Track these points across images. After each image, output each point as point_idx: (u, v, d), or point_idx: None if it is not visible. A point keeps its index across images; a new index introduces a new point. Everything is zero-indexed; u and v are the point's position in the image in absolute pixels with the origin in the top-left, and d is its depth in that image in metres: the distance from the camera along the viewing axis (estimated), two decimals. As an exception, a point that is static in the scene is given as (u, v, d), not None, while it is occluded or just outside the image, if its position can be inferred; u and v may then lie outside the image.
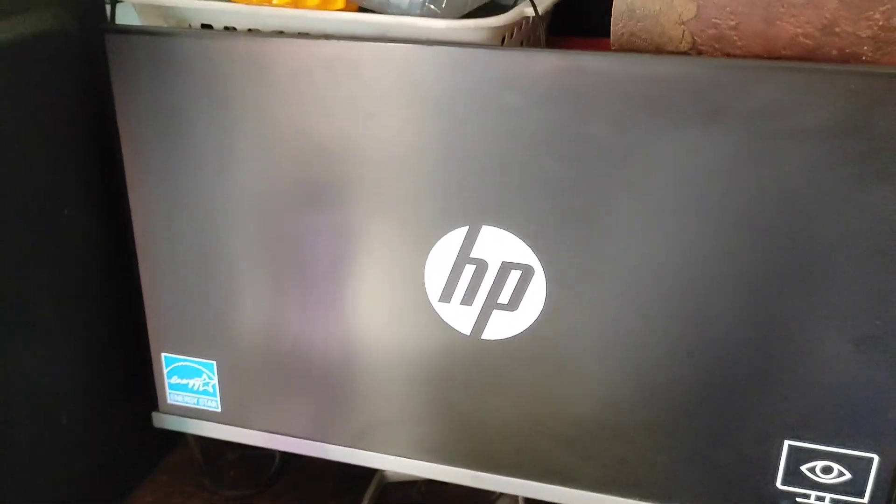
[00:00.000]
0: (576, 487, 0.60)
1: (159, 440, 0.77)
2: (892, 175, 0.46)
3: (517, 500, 0.72)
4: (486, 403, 0.59)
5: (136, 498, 0.73)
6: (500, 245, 0.54)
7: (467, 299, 0.56)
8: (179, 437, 0.80)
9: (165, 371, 0.66)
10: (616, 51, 0.54)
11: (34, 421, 0.61)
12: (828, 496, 0.54)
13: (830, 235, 0.48)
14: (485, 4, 0.60)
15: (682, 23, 0.51)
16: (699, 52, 0.52)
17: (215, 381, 0.65)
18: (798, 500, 0.55)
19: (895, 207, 0.47)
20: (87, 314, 0.65)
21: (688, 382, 0.54)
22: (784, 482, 0.54)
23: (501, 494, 0.72)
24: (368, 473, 0.75)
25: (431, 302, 0.57)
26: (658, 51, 0.53)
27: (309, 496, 0.73)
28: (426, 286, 0.57)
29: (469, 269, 0.56)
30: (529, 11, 0.56)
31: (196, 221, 0.61)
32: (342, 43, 0.53)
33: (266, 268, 0.61)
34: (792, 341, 0.51)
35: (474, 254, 0.55)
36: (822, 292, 0.50)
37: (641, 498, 0.58)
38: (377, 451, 0.64)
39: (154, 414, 0.68)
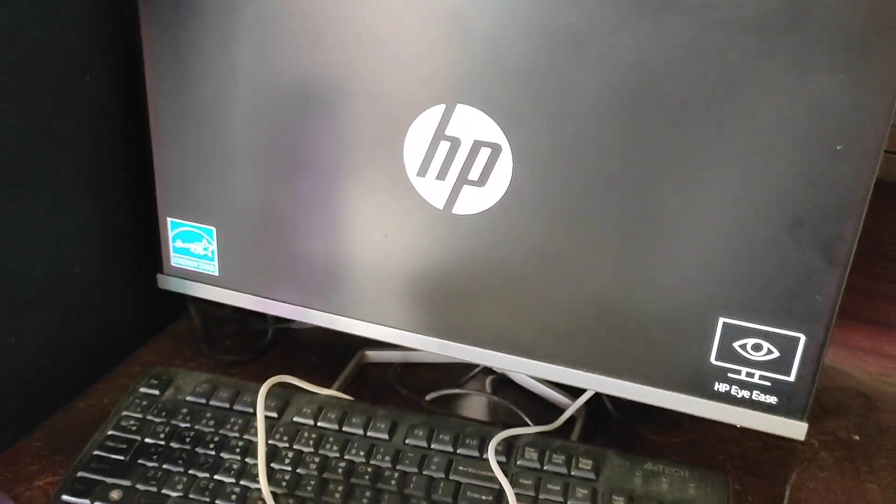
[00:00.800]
0: (531, 358, 0.65)
1: (162, 310, 0.85)
2: (829, 66, 0.51)
3: (484, 385, 0.78)
4: (454, 276, 0.65)
5: (138, 357, 0.80)
6: (472, 123, 0.60)
7: (441, 174, 0.62)
8: (181, 311, 0.87)
9: (170, 235, 0.72)
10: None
11: (52, 266, 0.68)
12: (757, 372, 0.59)
13: (769, 123, 0.53)
14: None
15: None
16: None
17: (214, 246, 0.71)
18: (730, 375, 0.60)
19: (830, 96, 0.51)
20: (103, 176, 0.72)
21: (630, 260, 0.59)
22: (718, 358, 0.59)
23: (471, 377, 0.78)
24: (350, 353, 0.81)
25: (409, 177, 0.63)
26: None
27: (295, 367, 0.79)
28: (405, 161, 0.62)
29: (444, 146, 0.61)
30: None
31: (203, 96, 0.67)
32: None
33: (263, 143, 0.67)
34: (730, 224, 0.56)
35: (449, 131, 0.60)
36: (759, 177, 0.54)
37: (588, 370, 0.63)
38: (354, 318, 0.70)
39: (159, 276, 0.75)
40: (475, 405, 0.77)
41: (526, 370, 0.66)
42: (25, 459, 0.66)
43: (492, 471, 0.63)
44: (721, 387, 0.60)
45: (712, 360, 0.60)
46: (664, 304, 0.59)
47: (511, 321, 0.64)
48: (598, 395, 0.73)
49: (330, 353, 0.82)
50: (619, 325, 0.61)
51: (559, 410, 0.73)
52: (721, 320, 0.58)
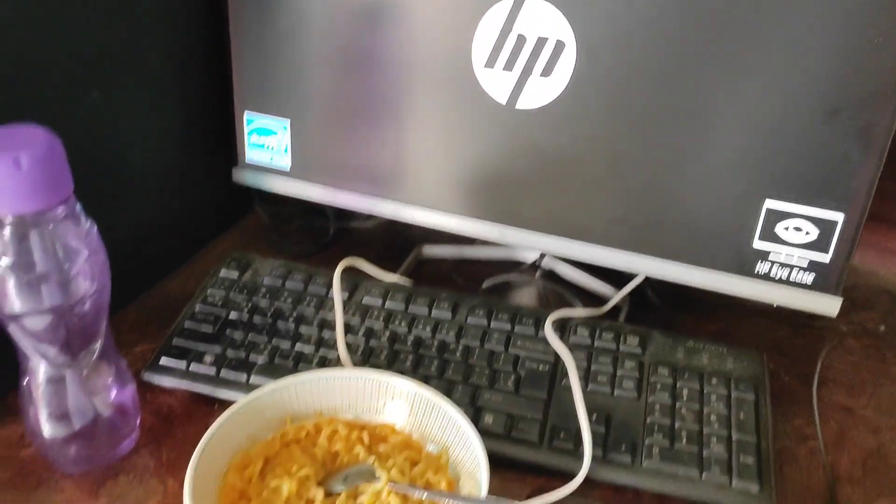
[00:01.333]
0: (585, 242, 0.71)
1: (233, 206, 0.91)
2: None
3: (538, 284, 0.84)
4: (514, 167, 0.70)
5: (214, 247, 0.87)
6: (540, 17, 0.64)
7: (508, 65, 0.67)
8: (248, 210, 0.93)
9: (246, 129, 0.78)
10: None
11: (142, 155, 0.74)
12: (796, 253, 0.64)
13: (812, 16, 0.57)
14: None
15: None
16: None
17: (287, 140, 0.77)
18: (771, 256, 0.65)
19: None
20: (187, 74, 0.77)
21: (680, 148, 0.64)
22: (761, 239, 0.65)
23: (522, 270, 0.84)
24: (407, 249, 0.87)
25: (476, 71, 0.68)
26: None
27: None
28: (472, 55, 0.67)
29: (511, 39, 0.66)
30: None
31: (280, -3, 0.72)
32: None
33: (337, 37, 0.72)
34: (774, 113, 0.61)
35: (517, 25, 0.65)
36: (801, 68, 0.59)
37: (638, 253, 0.69)
38: (419, 207, 0.75)
39: (234, 169, 0.81)
40: (527, 294, 0.83)
41: (579, 254, 0.72)
42: (123, 329, 0.73)
43: (547, 345, 0.70)
44: (762, 267, 0.66)
45: (755, 241, 0.65)
46: (712, 189, 0.65)
47: (566, 207, 0.70)
48: (640, 286, 0.79)
49: (388, 249, 0.88)
50: (668, 209, 0.67)
51: (604, 301, 0.79)
52: (765, 204, 0.63)
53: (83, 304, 0.54)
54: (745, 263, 0.66)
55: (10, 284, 0.52)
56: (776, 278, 0.66)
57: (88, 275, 0.55)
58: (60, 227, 0.53)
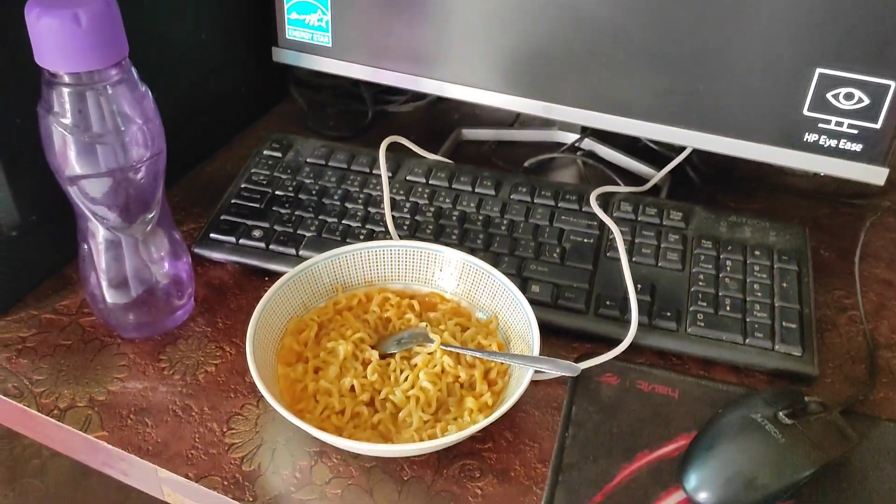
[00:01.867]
0: (630, 117, 0.71)
1: (269, 91, 0.91)
2: None
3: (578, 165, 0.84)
4: (560, 41, 0.70)
5: (252, 131, 0.87)
6: None
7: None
8: (283, 95, 0.93)
9: (286, 6, 0.77)
10: None
11: (184, 31, 0.74)
12: (846, 121, 0.64)
13: None
14: None
15: None
16: None
17: (328, 17, 0.76)
18: (820, 125, 0.65)
19: None
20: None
21: (732, 14, 0.64)
22: (811, 108, 0.65)
23: (562, 151, 0.85)
24: (446, 131, 0.88)
25: (523, -61, 0.67)
26: None
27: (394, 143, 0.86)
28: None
29: None
30: None
31: None
32: None
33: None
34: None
35: None
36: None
37: (685, 126, 0.69)
38: (463, 85, 0.75)
39: (274, 49, 0.81)
40: (567, 174, 0.83)
41: (625, 129, 0.72)
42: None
43: (591, 219, 0.70)
44: (811, 137, 0.66)
45: (805, 110, 0.65)
46: (763, 57, 0.64)
47: (612, 81, 0.70)
48: (681, 165, 0.79)
49: (427, 132, 0.88)
50: (717, 80, 0.66)
51: (644, 181, 0.80)
52: (817, 71, 0.63)
53: (140, 169, 0.55)
54: (793, 134, 0.66)
55: (70, 146, 0.53)
56: (825, 147, 0.66)
57: (144, 140, 0.55)
58: (116, 90, 0.53)
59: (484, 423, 0.51)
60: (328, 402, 0.55)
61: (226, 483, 0.53)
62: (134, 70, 0.55)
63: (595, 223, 0.70)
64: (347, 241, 0.69)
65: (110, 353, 0.62)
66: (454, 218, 0.71)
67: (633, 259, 0.68)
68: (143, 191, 0.57)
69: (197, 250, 0.69)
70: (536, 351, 0.56)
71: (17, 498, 0.85)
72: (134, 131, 0.54)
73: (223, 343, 0.63)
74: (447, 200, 0.72)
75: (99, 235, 0.58)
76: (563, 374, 0.54)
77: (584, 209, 0.72)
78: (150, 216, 0.59)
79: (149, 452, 0.55)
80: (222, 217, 0.71)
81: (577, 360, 0.61)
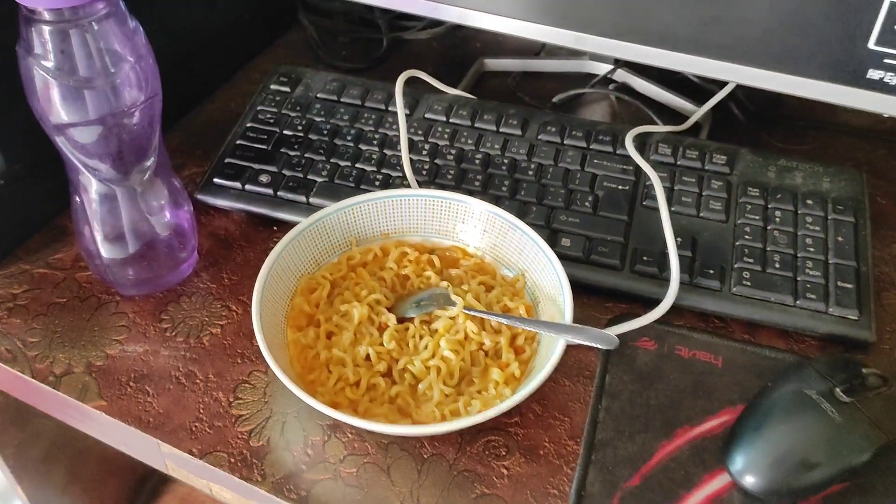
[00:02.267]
0: (672, 49, 0.64)
1: (274, 19, 0.84)
2: None
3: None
4: (597, -38, 0.63)
5: (255, 65, 0.81)
6: None
7: None
8: (291, 22, 0.86)
9: (291, -76, 0.70)
10: None
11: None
12: (918, 58, 0.57)
13: None
14: None
15: None
16: None
17: (338, -64, 0.69)
18: (886, 60, 0.58)
19: None
20: None
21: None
22: (878, 42, 0.58)
23: (593, 84, 0.78)
24: (467, 62, 0.81)
25: None
26: None
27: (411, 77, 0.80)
28: None
29: None
30: None
31: None
32: None
33: None
34: None
35: None
36: None
37: (733, 60, 0.62)
38: (488, 13, 0.68)
39: (278, -29, 0.74)
40: (599, 110, 0.77)
41: (666, 62, 0.65)
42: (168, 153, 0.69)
43: (626, 163, 0.65)
44: (875, 74, 0.59)
45: (871, 44, 0.58)
46: (828, -16, 0.57)
47: (651, 8, 0.63)
48: (724, 102, 0.73)
49: (446, 62, 0.82)
50: (770, 8, 0.59)
51: (683, 118, 0.73)
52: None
53: (133, 115, 0.50)
54: (856, 70, 0.59)
55: (54, 91, 0.47)
56: (891, 86, 0.59)
57: (137, 81, 0.50)
58: (103, 26, 0.47)
59: (512, 401, 0.47)
60: (342, 372, 0.51)
61: (232, 460, 0.50)
62: (122, 4, 0.49)
63: (630, 168, 0.65)
64: (362, 187, 0.63)
65: (108, 311, 0.58)
66: (477, 161, 0.65)
67: (672, 209, 0.62)
68: (137, 138, 0.52)
69: (200, 197, 0.64)
70: (569, 317, 0.51)
71: (28, 438, 0.83)
72: (125, 72, 0.49)
73: (229, 301, 0.59)
74: (469, 141, 0.67)
75: (91, 188, 0.53)
76: (601, 346, 0.49)
77: (618, 151, 0.66)
78: (147, 165, 0.54)
79: (150, 425, 0.52)
80: (226, 160, 0.65)
81: (610, 323, 0.56)
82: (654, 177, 0.62)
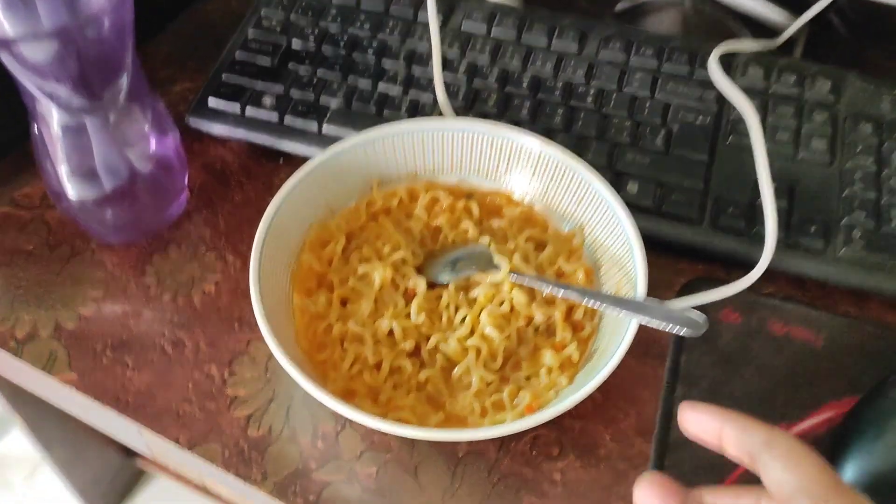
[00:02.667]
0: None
1: None
2: None
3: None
4: None
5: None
6: None
7: None
8: None
9: None
10: None
11: None
12: None
13: None
14: None
15: None
16: None
17: None
18: None
19: None
20: None
21: None
22: None
23: (664, -11, 0.65)
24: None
25: None
26: None
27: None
28: None
29: None
30: None
31: None
32: None
33: None
34: None
35: None
36: None
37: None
38: None
39: None
40: (671, 21, 0.65)
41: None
42: (155, 65, 0.58)
43: (706, 89, 0.53)
44: None
45: None
46: None
47: None
48: (824, 12, 0.60)
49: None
50: None
51: (773, 32, 0.61)
52: None
53: (97, 25, 0.39)
54: None
55: (-10, -6, 0.37)
56: None
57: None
58: None
59: (572, 400, 0.37)
60: (359, 352, 0.42)
61: (227, 454, 0.41)
62: None
63: (712, 95, 0.53)
64: (385, 113, 0.53)
65: (83, 262, 0.49)
66: (524, 85, 0.54)
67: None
68: (105, 54, 0.41)
69: (191, 121, 0.54)
70: (642, 290, 0.41)
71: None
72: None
73: (225, 251, 0.49)
74: (515, 60, 0.55)
75: (52, 118, 0.43)
76: (685, 333, 0.40)
77: (696, 75, 0.54)
78: (118, 88, 0.43)
79: (129, 405, 0.43)
80: (223, 77, 0.55)
81: (685, 290, 0.47)
82: (746, 107, 0.51)
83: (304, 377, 0.37)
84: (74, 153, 0.44)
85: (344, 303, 0.44)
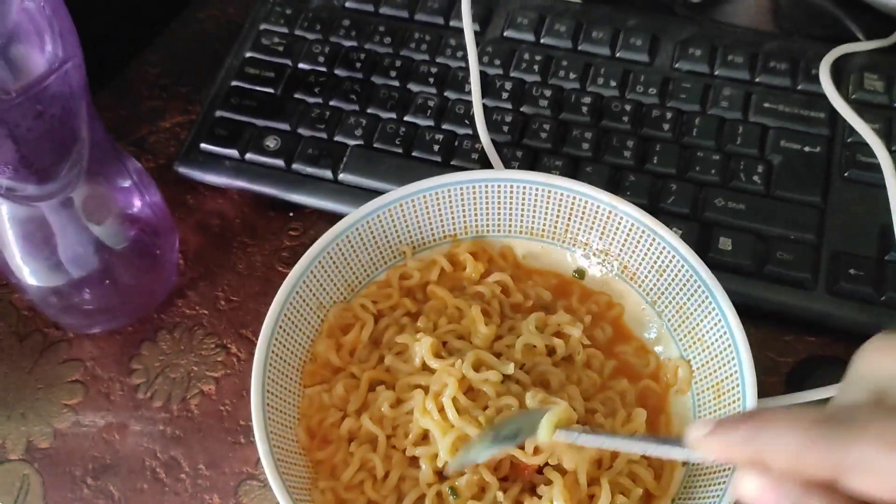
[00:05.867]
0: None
1: None
2: None
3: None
4: None
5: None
6: None
7: None
8: None
9: None
10: None
11: None
12: None
13: None
14: None
15: None
16: None
17: None
18: None
19: None
20: None
21: None
22: None
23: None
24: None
25: None
26: None
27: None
28: None
29: None
30: None
31: None
32: None
33: None
34: None
35: None
36: None
37: None
38: None
39: None
40: (758, 14, 0.54)
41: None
42: (142, 92, 0.50)
43: (813, 103, 0.44)
44: None
45: None
46: None
47: None
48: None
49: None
50: None
51: (888, 21, 0.51)
52: None
53: (35, 98, 0.31)
54: None
55: None
56: None
57: (39, 33, 0.31)
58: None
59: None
60: (366, 458, 0.34)
61: None
62: None
63: (822, 114, 0.44)
64: (412, 153, 0.44)
65: (57, 356, 0.42)
66: (584, 109, 0.45)
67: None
68: (50, 130, 0.33)
69: (181, 170, 0.46)
70: (752, 402, 0.33)
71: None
72: (12, 18, 0.30)
73: (227, 337, 0.42)
74: (572, 74, 0.46)
75: (1, 208, 0.35)
76: None
77: (799, 85, 0.45)
78: (75, 163, 0.35)
79: (114, 555, 0.36)
80: (217, 114, 0.46)
81: (794, 376, 0.38)
82: (864, 129, 0.42)
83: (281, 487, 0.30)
84: (30, 246, 0.37)
85: (372, 387, 0.36)
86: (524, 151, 0.44)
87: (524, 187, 0.39)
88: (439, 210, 0.40)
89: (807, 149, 0.43)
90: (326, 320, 0.38)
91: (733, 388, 0.34)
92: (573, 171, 0.43)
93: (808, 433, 0.22)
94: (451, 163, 0.44)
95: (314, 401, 0.36)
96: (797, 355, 0.40)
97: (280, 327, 0.36)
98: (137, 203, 0.40)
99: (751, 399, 0.33)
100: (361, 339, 0.38)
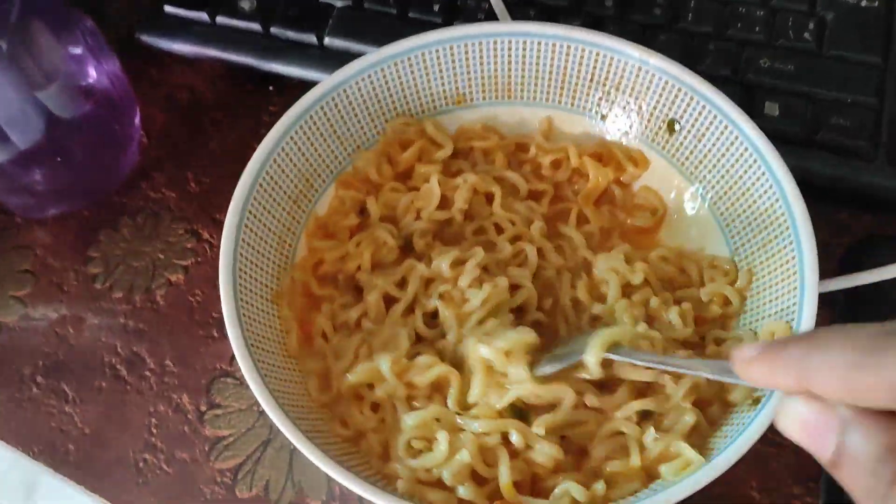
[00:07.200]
0: None
1: None
2: None
3: None
4: None
5: None
6: None
7: None
8: None
9: None
10: None
11: None
12: None
13: None
14: None
15: None
16: None
17: None
18: None
19: None
20: None
21: None
22: None
23: None
24: None
25: None
26: None
27: None
28: None
29: None
30: None
31: None
32: None
33: None
34: None
35: None
36: None
37: None
38: None
39: None
40: None
41: None
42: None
43: (874, -43, 0.38)
44: None
45: None
46: None
47: None
48: None
49: None
50: None
51: None
52: None
53: None
54: None
55: None
56: None
57: None
58: None
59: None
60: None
61: (206, 532, 0.30)
62: None
63: (880, -36, 0.38)
64: (409, 14, 0.39)
65: (4, 244, 0.37)
66: None
67: (962, 40, 0.36)
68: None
69: (144, 38, 0.40)
70: (809, 318, 0.28)
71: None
72: None
73: (197, 222, 0.37)
74: None
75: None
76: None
77: (854, -68, 0.40)
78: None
79: (67, 459, 0.32)
80: (180, -28, 0.41)
81: (849, 258, 0.34)
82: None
83: (297, 433, 0.25)
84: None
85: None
86: (537, 10, 0.38)
87: (538, 42, 0.34)
88: (440, 70, 0.35)
89: (864, 3, 0.38)
90: (313, 216, 0.33)
91: (789, 275, 0.29)
92: (594, 30, 0.37)
93: (861, 350, 0.18)
94: (454, 24, 0.38)
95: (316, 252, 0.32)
96: (853, 235, 0.35)
97: (255, 199, 0.31)
98: (92, 72, 0.35)
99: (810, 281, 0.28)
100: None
